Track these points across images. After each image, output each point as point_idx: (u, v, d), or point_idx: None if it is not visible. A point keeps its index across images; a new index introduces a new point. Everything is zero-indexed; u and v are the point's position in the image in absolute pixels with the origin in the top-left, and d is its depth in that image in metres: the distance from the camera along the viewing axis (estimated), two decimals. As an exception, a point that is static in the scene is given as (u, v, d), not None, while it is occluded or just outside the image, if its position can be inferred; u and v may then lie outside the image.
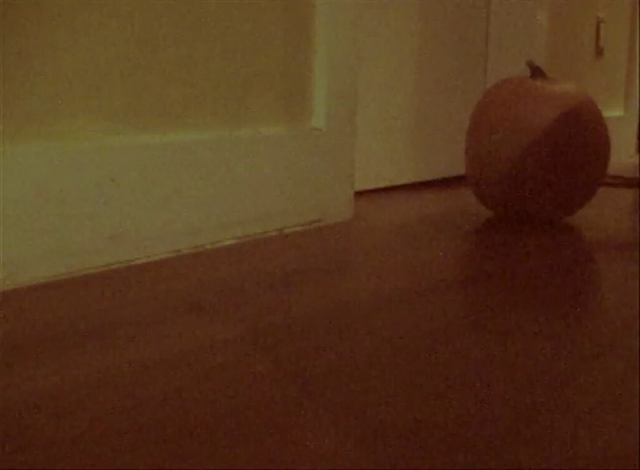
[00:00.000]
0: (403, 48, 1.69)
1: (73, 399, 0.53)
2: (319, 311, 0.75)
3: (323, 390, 0.55)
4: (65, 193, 0.83)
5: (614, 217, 1.35)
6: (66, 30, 0.84)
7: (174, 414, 0.51)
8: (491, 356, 0.63)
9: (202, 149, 0.99)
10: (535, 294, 0.82)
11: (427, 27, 1.74)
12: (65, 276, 0.84)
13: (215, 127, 1.04)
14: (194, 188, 0.98)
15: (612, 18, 2.41)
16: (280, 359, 0.61)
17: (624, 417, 0.52)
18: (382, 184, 1.61)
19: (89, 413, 0.51)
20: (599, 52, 2.36)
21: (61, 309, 0.73)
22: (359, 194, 1.55)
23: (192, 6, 0.98)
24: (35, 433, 0.48)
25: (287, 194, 1.13)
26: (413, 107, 1.70)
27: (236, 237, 1.06)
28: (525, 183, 1.21)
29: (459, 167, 1.85)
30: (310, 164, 1.17)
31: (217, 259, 0.95)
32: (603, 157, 1.23)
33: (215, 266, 0.92)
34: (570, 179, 1.21)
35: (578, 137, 1.20)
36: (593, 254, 1.04)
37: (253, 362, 0.61)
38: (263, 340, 0.66)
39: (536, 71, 1.29)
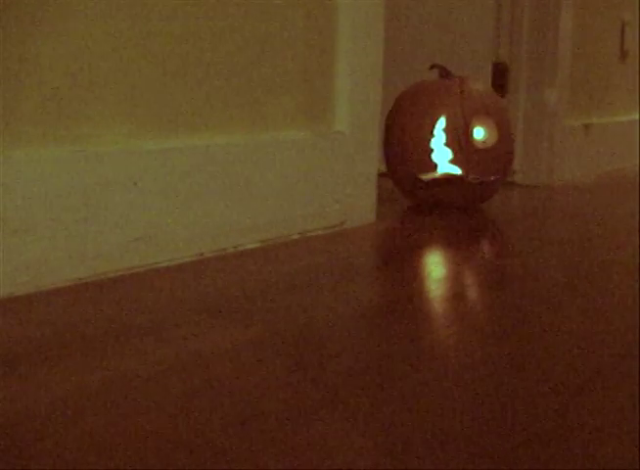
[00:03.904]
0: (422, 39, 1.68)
1: (95, 403, 0.53)
2: (341, 315, 0.74)
3: (343, 394, 0.55)
4: (88, 196, 0.84)
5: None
6: (92, 35, 0.84)
7: (194, 417, 0.51)
8: (513, 362, 0.63)
9: (224, 153, 0.99)
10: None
11: (448, 30, 1.74)
12: (88, 279, 0.84)
13: (238, 131, 1.04)
14: (217, 192, 0.98)
15: (637, 20, 2.39)
16: (300, 363, 0.61)
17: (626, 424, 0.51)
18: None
19: (108, 415, 0.51)
20: (624, 55, 2.34)
21: (84, 312, 0.73)
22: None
23: (214, 11, 0.98)
24: (55, 437, 0.48)
25: (309, 197, 1.13)
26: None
27: (258, 241, 1.05)
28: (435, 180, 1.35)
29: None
30: (333, 168, 1.17)
31: (240, 263, 0.95)
32: (511, 153, 1.40)
33: (238, 270, 0.92)
34: (481, 173, 1.35)
35: (489, 134, 1.34)
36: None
37: (274, 366, 0.60)
38: (284, 343, 0.66)
39: (443, 72, 1.40)
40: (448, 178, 1.35)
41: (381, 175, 1.69)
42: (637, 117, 2.50)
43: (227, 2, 0.99)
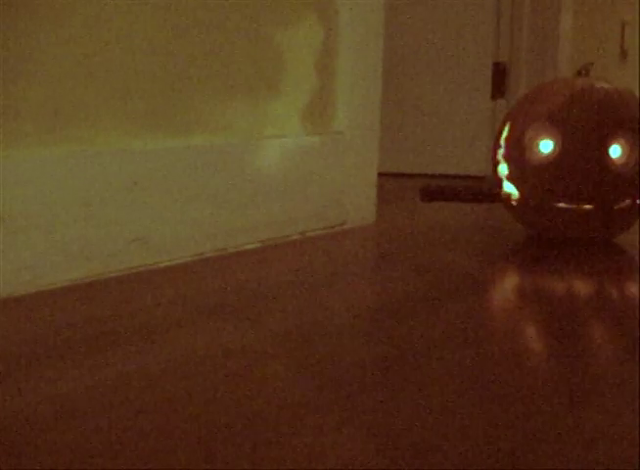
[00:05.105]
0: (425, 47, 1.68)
1: (95, 403, 0.53)
2: (342, 315, 0.74)
3: (345, 394, 0.55)
4: (88, 196, 0.83)
5: None
6: (91, 35, 0.84)
7: (196, 417, 0.51)
8: (520, 369, 0.63)
9: (224, 152, 0.99)
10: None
11: (450, 30, 1.74)
12: (88, 279, 0.84)
13: (238, 131, 1.04)
14: (217, 191, 0.98)
15: (637, 20, 2.40)
16: (303, 363, 0.61)
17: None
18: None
19: (110, 416, 0.51)
20: (623, 54, 2.34)
21: (83, 313, 0.73)
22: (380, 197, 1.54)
23: (215, 10, 0.98)
24: (56, 437, 0.48)
25: (310, 197, 1.13)
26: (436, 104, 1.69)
27: (259, 241, 1.05)
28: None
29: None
30: (333, 168, 1.17)
31: (240, 263, 0.95)
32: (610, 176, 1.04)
33: (238, 270, 0.92)
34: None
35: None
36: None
37: (276, 366, 0.60)
38: (286, 343, 0.66)
39: (582, 70, 1.14)
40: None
41: (381, 175, 1.69)
42: (637, 117, 2.50)
43: (227, 1, 0.99)
